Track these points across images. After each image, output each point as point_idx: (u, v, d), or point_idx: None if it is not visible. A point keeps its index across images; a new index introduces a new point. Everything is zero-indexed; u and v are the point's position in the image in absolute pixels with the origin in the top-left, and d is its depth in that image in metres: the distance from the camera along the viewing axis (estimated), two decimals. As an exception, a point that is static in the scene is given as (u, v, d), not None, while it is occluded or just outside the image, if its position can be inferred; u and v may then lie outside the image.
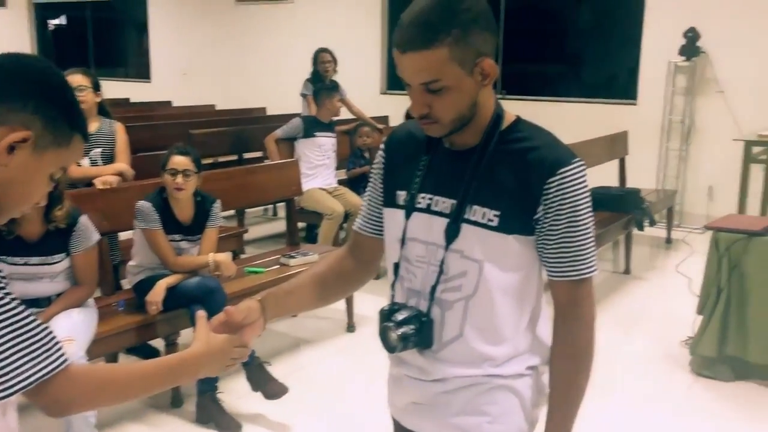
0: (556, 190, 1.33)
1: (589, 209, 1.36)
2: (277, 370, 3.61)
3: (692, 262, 5.44)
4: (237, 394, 3.34)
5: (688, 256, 5.77)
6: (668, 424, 3.29)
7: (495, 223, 1.36)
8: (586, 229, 1.36)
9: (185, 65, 10.61)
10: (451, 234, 1.39)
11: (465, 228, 1.38)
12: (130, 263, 3.28)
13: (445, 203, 1.41)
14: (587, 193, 1.36)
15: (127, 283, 3.48)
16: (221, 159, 6.83)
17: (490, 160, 1.38)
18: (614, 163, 6.37)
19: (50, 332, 1.11)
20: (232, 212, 6.18)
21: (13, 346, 1.04)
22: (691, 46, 6.59)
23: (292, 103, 7.07)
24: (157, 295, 3.06)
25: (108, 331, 2.99)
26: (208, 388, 3.10)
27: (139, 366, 1.22)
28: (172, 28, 10.78)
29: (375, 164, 1.58)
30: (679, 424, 3.29)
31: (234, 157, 6.88)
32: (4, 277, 1.07)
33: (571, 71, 8.26)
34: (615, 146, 6.29)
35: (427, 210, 1.43)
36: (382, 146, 1.58)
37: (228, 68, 10.06)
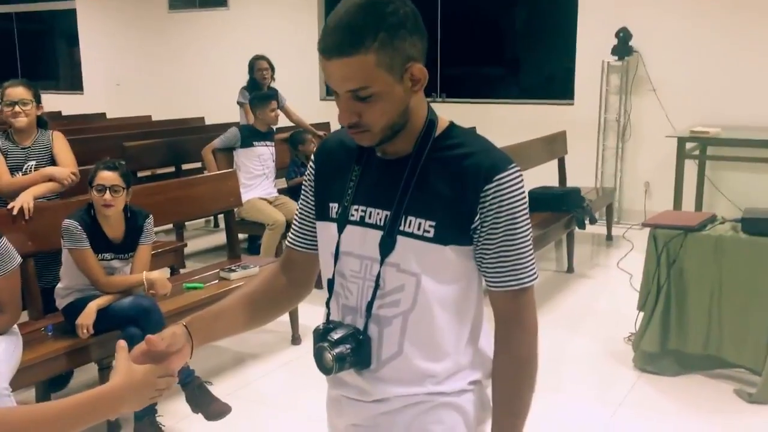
0: (493, 198, 1.28)
1: (527, 216, 1.32)
2: (222, 387, 3.51)
3: (633, 257, 5.52)
4: (178, 415, 3.21)
5: (629, 251, 5.85)
6: (613, 422, 3.30)
7: (431, 234, 1.31)
8: (525, 236, 1.32)
9: (119, 76, 10.33)
10: (386, 247, 1.33)
11: (400, 240, 1.32)
12: (59, 285, 3.12)
13: (379, 215, 1.35)
14: (524, 200, 1.32)
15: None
16: (160, 171, 6.66)
17: (424, 168, 1.33)
18: (554, 163, 6.43)
19: None
20: (170, 226, 6.01)
21: None
22: (623, 46, 6.72)
23: (231, 113, 6.93)
24: (87, 317, 2.92)
25: (36, 358, 2.84)
26: (146, 412, 2.97)
27: (53, 406, 1.12)
28: (103, 38, 10.48)
29: (306, 176, 1.51)
30: (624, 420, 3.31)
31: (171, 169, 6.70)
32: None
33: (508, 73, 8.35)
34: (554, 146, 6.36)
35: (361, 222, 1.37)
36: (312, 157, 1.51)
37: (164, 78, 9.83)
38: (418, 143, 1.34)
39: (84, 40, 10.71)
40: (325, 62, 1.26)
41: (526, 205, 1.33)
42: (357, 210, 1.38)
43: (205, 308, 1.45)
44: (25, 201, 3.27)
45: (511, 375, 1.36)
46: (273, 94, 5.82)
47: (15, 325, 2.75)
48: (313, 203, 1.47)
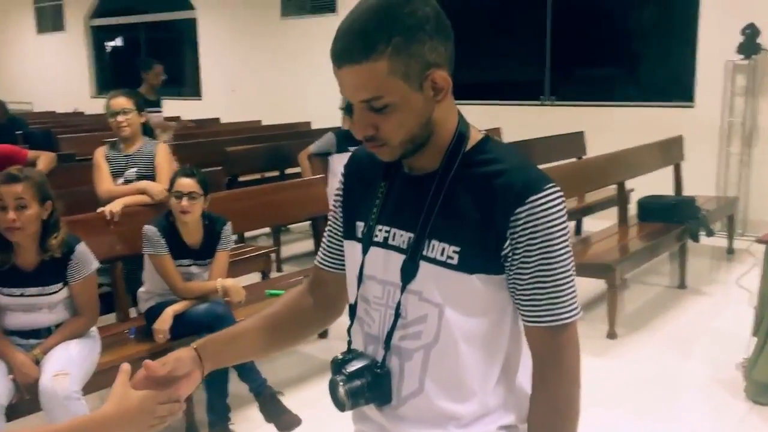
0: (525, 222, 1.13)
1: (566, 244, 1.16)
2: (303, 396, 3.47)
3: (755, 274, 5.05)
4: (254, 423, 3.19)
5: (751, 268, 5.37)
6: (719, 460, 2.99)
7: (455, 261, 1.17)
8: (564, 266, 1.15)
9: (234, 82, 10.67)
10: (408, 273, 1.21)
11: (423, 266, 1.20)
12: (141, 289, 3.19)
13: (402, 237, 1.23)
14: (563, 225, 1.15)
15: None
16: (268, 175, 6.79)
17: (450, 186, 1.19)
18: (669, 170, 6.00)
19: None
20: (268, 230, 6.09)
21: None
22: (750, 44, 6.18)
23: (338, 118, 6.95)
24: (163, 323, 2.96)
25: (116, 360, 2.89)
26: (219, 420, 2.98)
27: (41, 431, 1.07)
28: (220, 46, 10.88)
29: (336, 190, 1.41)
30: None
31: (276, 173, 6.80)
32: None
33: (623, 74, 7.89)
34: (669, 151, 5.93)
35: (384, 244, 1.25)
36: (341, 170, 1.41)
37: (275, 83, 10.05)
38: (445, 159, 1.21)
39: (203, 48, 11.16)
40: (336, 70, 1.15)
41: (566, 231, 1.16)
42: (381, 230, 1.26)
43: (223, 330, 1.38)
44: (113, 207, 3.38)
45: (547, 420, 1.20)
46: None
47: (94, 329, 2.82)
48: (341, 220, 1.37)
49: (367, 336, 1.29)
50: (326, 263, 1.42)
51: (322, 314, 1.45)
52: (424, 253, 1.20)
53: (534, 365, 1.21)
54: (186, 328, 2.98)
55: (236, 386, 3.08)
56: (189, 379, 1.27)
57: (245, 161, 5.95)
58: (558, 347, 1.18)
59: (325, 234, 1.43)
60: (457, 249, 1.17)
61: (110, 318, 3.44)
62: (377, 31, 1.10)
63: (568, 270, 1.16)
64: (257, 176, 6.77)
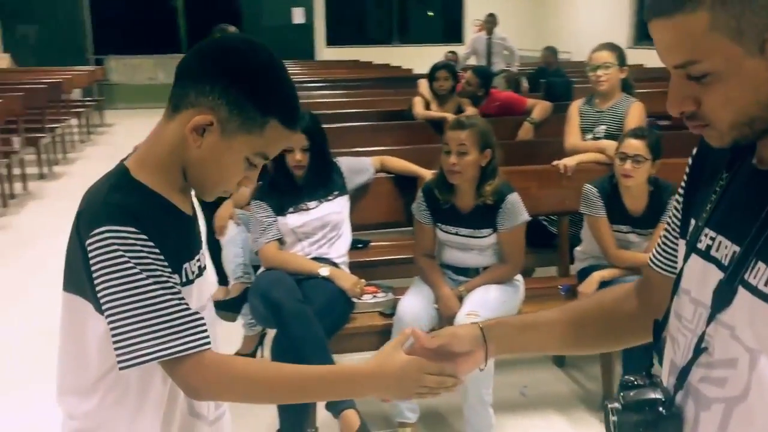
0: None
1: None
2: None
3: None
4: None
5: None
6: None
7: None
8: None
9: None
10: (721, 298, 0.92)
11: (741, 294, 0.89)
12: (577, 248, 3.13)
13: (726, 249, 0.94)
14: None
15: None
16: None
17: None
18: None
19: (187, 313, 1.08)
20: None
21: (136, 320, 1.05)
22: None
23: None
24: (589, 286, 2.82)
25: (532, 312, 2.92)
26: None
27: (290, 370, 1.16)
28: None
29: (684, 176, 1.13)
30: None
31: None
32: (154, 251, 1.08)
33: None
34: None
35: (706, 254, 0.97)
36: (694, 151, 1.12)
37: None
38: None
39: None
40: (649, 25, 0.90)
41: None
42: (707, 235, 0.98)
43: (521, 315, 1.27)
44: (568, 161, 3.36)
45: None
46: None
47: (519, 278, 2.86)
48: (679, 215, 1.10)
49: (672, 363, 1.03)
50: (657, 262, 1.16)
51: (644, 322, 1.19)
52: (746, 276, 0.88)
53: None
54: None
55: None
56: (470, 358, 1.21)
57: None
58: None
59: (664, 226, 1.17)
60: (791, 281, 0.83)
61: (551, 271, 3.49)
62: (699, -24, 0.82)
63: None
64: None
